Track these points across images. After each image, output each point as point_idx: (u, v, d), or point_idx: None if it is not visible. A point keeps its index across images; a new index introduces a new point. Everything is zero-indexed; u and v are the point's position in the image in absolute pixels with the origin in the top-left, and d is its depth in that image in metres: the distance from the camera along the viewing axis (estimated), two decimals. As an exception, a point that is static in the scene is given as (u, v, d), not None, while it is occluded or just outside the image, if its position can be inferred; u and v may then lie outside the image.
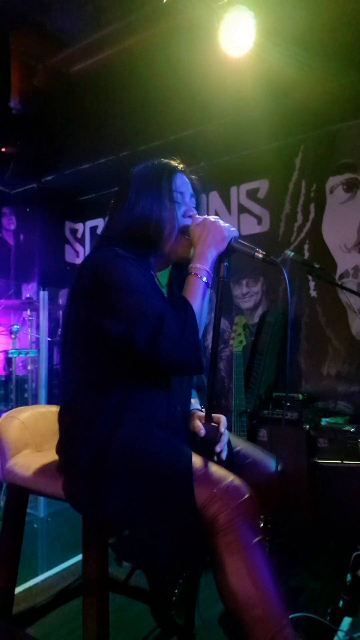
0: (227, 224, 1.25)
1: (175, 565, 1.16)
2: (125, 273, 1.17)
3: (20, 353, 3.48)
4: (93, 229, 4.62)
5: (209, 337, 1.22)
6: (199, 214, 1.34)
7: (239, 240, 1.25)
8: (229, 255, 1.25)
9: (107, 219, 1.36)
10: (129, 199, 1.28)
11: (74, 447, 1.20)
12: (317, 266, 2.00)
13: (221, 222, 1.24)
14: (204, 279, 1.20)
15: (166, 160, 1.36)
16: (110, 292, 1.15)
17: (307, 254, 3.31)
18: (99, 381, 1.21)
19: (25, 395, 3.59)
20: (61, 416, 1.30)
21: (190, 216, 1.30)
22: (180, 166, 1.36)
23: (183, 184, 1.34)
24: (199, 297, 1.18)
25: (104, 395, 1.19)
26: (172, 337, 1.09)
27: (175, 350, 1.10)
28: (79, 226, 4.72)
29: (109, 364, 1.20)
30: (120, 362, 1.18)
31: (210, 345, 1.27)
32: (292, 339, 3.29)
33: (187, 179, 1.36)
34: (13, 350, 3.45)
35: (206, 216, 1.26)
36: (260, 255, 1.21)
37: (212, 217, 1.25)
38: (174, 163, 1.36)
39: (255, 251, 1.22)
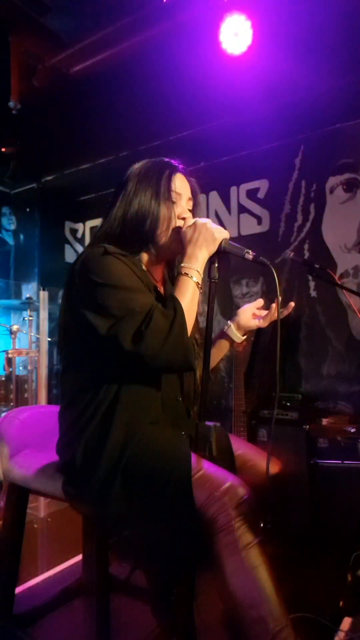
0: (217, 226, 1.26)
1: (175, 565, 1.16)
2: (112, 270, 1.17)
3: (20, 353, 3.48)
4: (93, 229, 4.61)
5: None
6: (197, 216, 1.35)
7: (229, 242, 1.26)
8: (219, 257, 1.26)
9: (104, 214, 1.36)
10: (128, 194, 1.30)
11: (72, 447, 1.20)
12: (317, 266, 2.01)
13: (212, 224, 1.25)
14: (194, 278, 1.21)
15: (167, 160, 1.36)
16: (98, 289, 1.15)
17: (307, 254, 3.30)
18: (94, 379, 1.22)
19: (25, 395, 3.59)
20: (61, 416, 1.31)
21: (183, 218, 1.31)
22: (180, 167, 1.36)
23: (182, 184, 1.34)
24: (188, 296, 1.19)
25: (98, 394, 1.19)
26: (158, 333, 1.10)
27: (162, 347, 1.10)
28: (79, 226, 4.72)
29: (102, 361, 1.21)
30: (111, 360, 1.19)
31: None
32: (292, 340, 3.29)
33: (186, 181, 1.36)
34: (13, 350, 3.45)
35: (197, 218, 1.27)
36: (250, 256, 1.22)
37: (202, 219, 1.26)
38: (174, 163, 1.36)
39: (245, 252, 1.23)
